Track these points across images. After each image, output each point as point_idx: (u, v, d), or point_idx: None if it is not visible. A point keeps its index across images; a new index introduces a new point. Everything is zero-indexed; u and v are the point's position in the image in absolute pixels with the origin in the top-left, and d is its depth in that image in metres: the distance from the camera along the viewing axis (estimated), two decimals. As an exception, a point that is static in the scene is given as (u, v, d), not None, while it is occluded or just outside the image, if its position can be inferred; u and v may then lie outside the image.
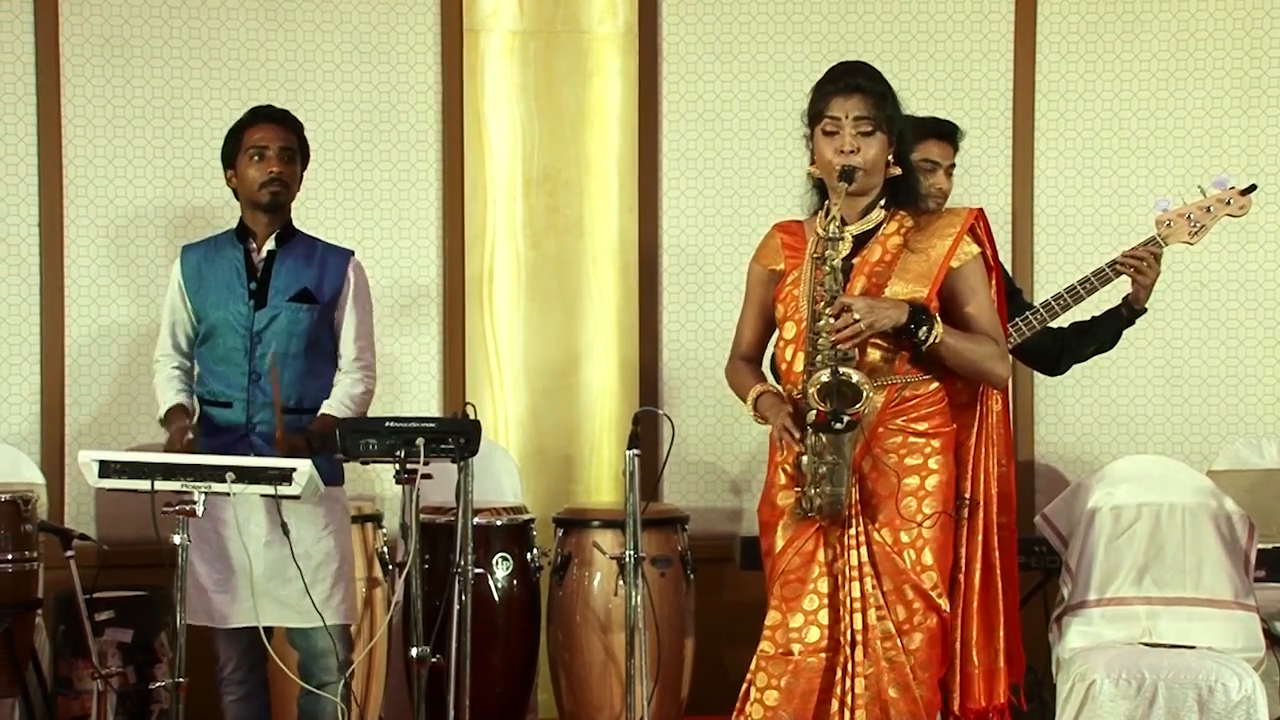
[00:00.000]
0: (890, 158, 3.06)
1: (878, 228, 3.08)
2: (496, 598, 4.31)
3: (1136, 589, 4.19)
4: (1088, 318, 3.97)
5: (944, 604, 3.01)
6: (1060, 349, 4.00)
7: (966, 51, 4.93)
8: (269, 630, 3.66)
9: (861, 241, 3.08)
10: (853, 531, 3.00)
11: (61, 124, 4.71)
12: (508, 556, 4.32)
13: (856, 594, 2.98)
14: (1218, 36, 4.92)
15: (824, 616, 3.01)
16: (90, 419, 4.72)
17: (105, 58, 4.74)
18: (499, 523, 4.34)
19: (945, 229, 3.05)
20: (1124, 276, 3.83)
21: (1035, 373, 4.45)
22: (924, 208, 3.17)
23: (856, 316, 2.93)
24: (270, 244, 3.82)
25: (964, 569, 3.07)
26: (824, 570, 3.02)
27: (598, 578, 4.32)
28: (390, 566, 4.30)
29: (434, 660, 3.65)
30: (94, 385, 4.73)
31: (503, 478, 4.71)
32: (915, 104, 4.61)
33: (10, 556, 3.72)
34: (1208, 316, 4.94)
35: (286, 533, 3.53)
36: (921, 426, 3.03)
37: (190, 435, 3.68)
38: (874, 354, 3.02)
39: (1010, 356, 4.01)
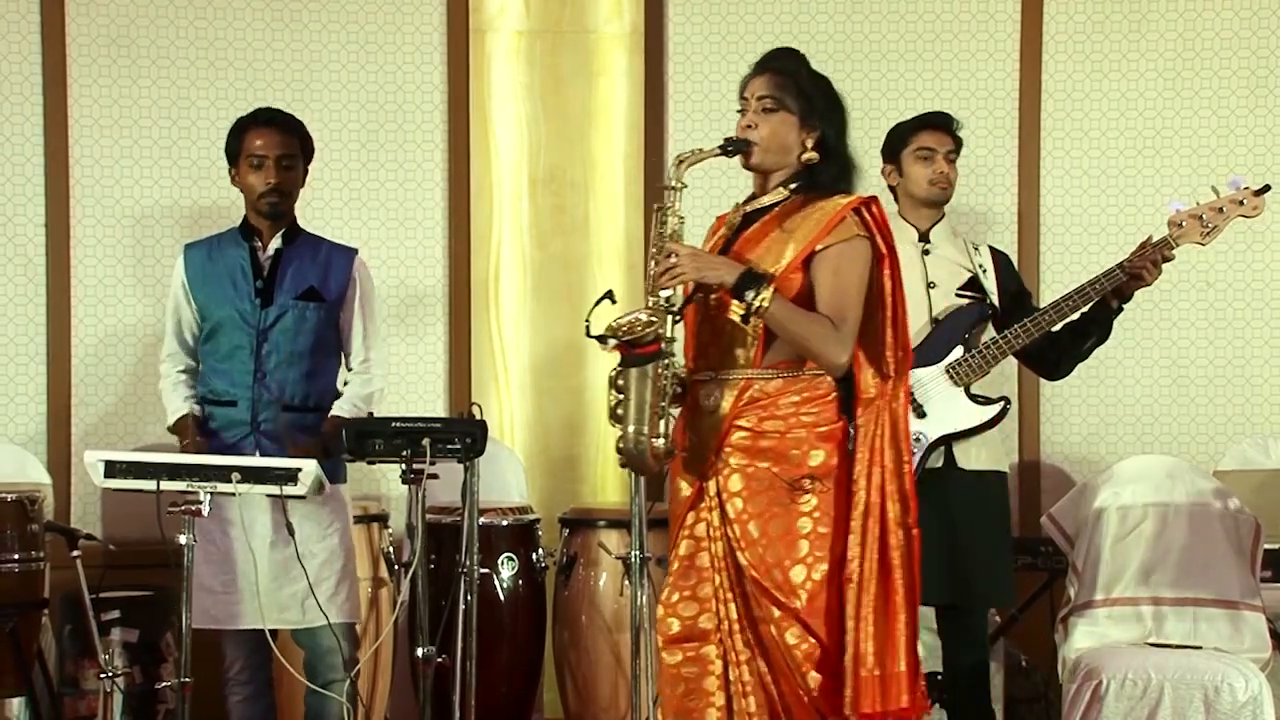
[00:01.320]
0: (807, 143, 3.03)
1: (770, 207, 3.05)
2: (502, 598, 4.31)
3: (1143, 589, 4.19)
4: (1076, 316, 3.95)
5: (800, 599, 2.90)
6: (1058, 355, 3.99)
7: (972, 51, 4.93)
8: (275, 630, 3.66)
9: (751, 219, 3.06)
10: (712, 524, 2.98)
11: (68, 124, 4.72)
12: (513, 556, 4.32)
13: (714, 585, 2.96)
14: (1225, 36, 4.91)
15: (686, 609, 2.99)
16: (97, 419, 4.73)
17: (112, 58, 4.75)
18: (504, 523, 4.34)
19: (819, 214, 2.99)
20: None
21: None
22: (825, 195, 3.04)
23: (674, 260, 2.94)
24: (276, 242, 3.82)
25: (859, 570, 2.92)
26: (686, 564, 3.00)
27: (603, 578, 4.32)
28: (396, 566, 4.30)
29: (440, 660, 3.65)
30: (100, 385, 4.74)
31: (508, 478, 4.71)
32: (921, 104, 4.65)
33: (16, 556, 3.73)
34: (1214, 316, 4.93)
35: (292, 532, 3.54)
36: (776, 425, 2.95)
37: (200, 450, 3.69)
38: (731, 349, 2.99)
39: (1013, 358, 4.05)
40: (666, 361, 2.97)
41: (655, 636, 3.06)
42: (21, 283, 4.71)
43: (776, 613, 2.91)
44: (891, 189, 4.02)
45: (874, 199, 3.03)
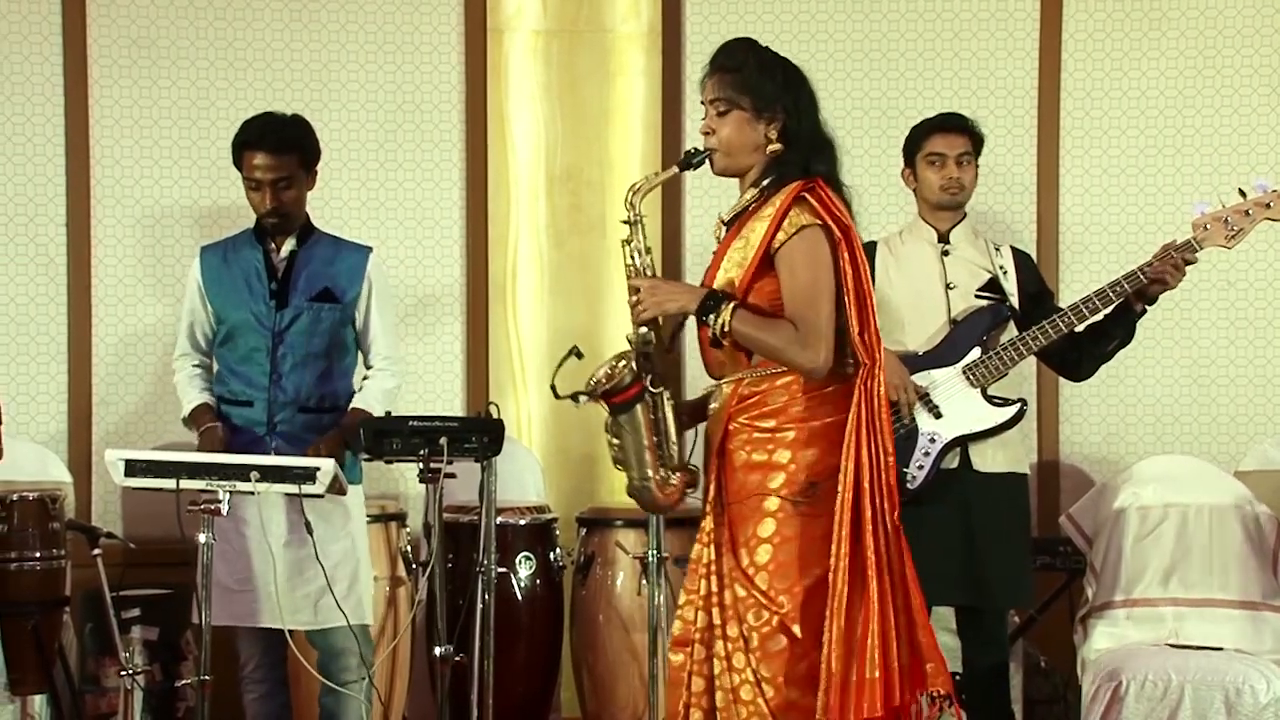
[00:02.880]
0: (769, 134, 2.93)
1: (745, 209, 2.97)
2: (519, 597, 4.31)
3: (1163, 590, 4.17)
4: (1099, 317, 3.94)
5: (781, 604, 2.81)
6: (1080, 356, 3.98)
7: (991, 50, 4.91)
8: (291, 629, 3.67)
9: (730, 226, 2.99)
10: (708, 529, 2.93)
11: (89, 124, 4.74)
12: (531, 556, 4.33)
13: (703, 591, 2.91)
14: (1246, 34, 4.89)
15: (688, 613, 2.95)
16: (118, 418, 4.75)
17: (132, 59, 4.77)
18: (522, 522, 4.35)
19: (766, 210, 2.90)
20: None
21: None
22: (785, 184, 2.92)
23: (636, 297, 2.91)
24: (290, 244, 3.84)
25: (832, 568, 2.80)
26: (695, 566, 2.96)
27: (620, 577, 4.32)
28: (414, 566, 4.31)
29: (457, 659, 3.66)
30: (121, 385, 4.76)
31: (526, 477, 4.71)
32: (940, 104, 4.64)
33: (38, 554, 3.75)
34: (1235, 316, 4.90)
35: (310, 531, 3.55)
36: (767, 424, 2.88)
37: (220, 438, 3.70)
38: (719, 351, 2.94)
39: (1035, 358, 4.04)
40: (655, 398, 2.91)
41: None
42: (43, 282, 4.74)
43: (760, 619, 2.82)
44: (913, 191, 4.02)
45: (815, 181, 2.90)
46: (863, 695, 2.77)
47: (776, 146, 2.93)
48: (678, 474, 2.95)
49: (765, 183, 2.95)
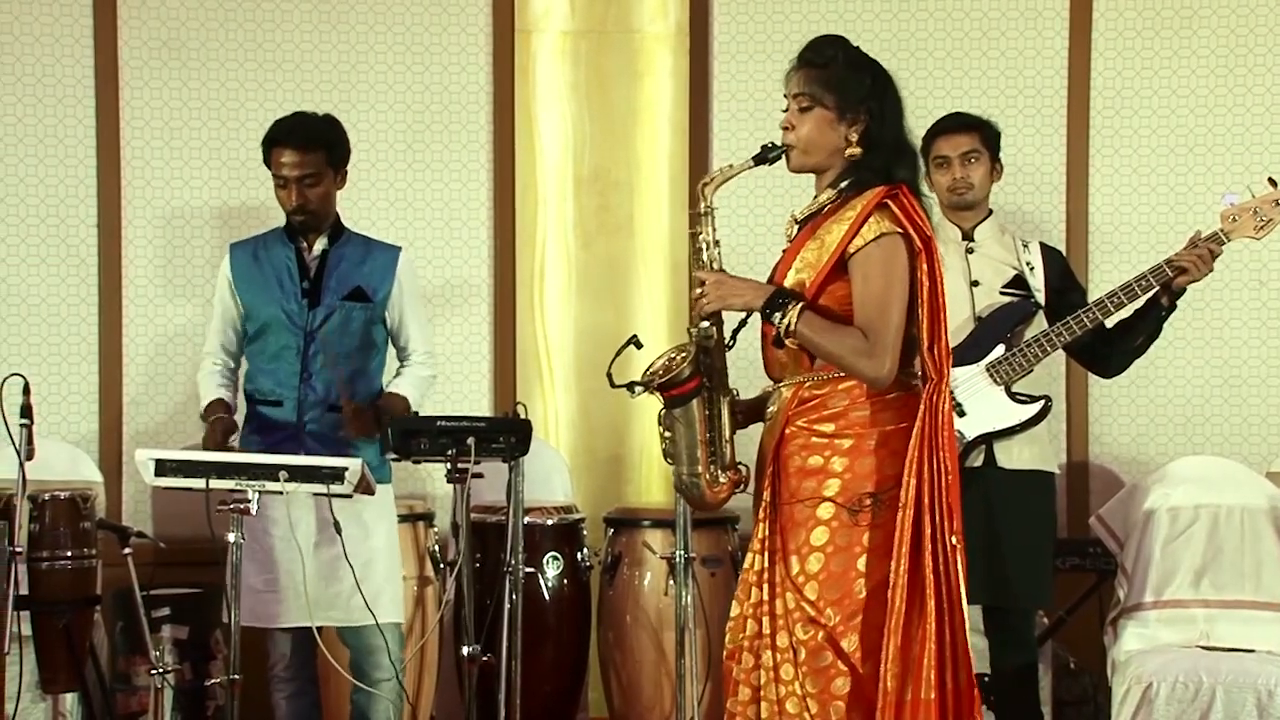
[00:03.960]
0: (850, 137, 2.86)
1: (820, 212, 2.90)
2: (547, 597, 4.32)
3: (1194, 591, 4.14)
4: (1128, 312, 3.92)
5: (829, 618, 2.75)
6: (1108, 351, 3.96)
7: (1020, 49, 4.89)
8: (321, 628, 3.69)
9: (804, 226, 2.92)
10: (760, 535, 2.85)
11: (120, 126, 4.77)
12: (558, 556, 4.33)
13: (754, 599, 2.84)
14: (1278, 31, 4.85)
15: (739, 625, 2.89)
16: (148, 418, 4.78)
17: (162, 60, 4.80)
18: (549, 522, 4.35)
19: (846, 213, 2.82)
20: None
21: (1089, 373, 4.40)
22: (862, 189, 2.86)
23: (700, 290, 2.86)
24: (322, 243, 3.86)
25: (891, 585, 2.73)
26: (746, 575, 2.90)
27: (648, 577, 4.32)
28: (441, 565, 4.32)
29: (485, 659, 3.67)
30: (152, 385, 4.79)
31: (553, 477, 4.72)
32: (968, 103, 4.62)
33: (70, 553, 3.77)
34: (1267, 314, 4.86)
35: (339, 531, 3.56)
36: (826, 428, 2.80)
37: (228, 428, 3.72)
38: (781, 352, 2.86)
39: (1062, 354, 4.02)
40: (712, 393, 2.86)
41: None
42: (74, 283, 4.77)
43: (807, 633, 2.77)
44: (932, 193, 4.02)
45: (899, 188, 2.84)
46: (917, 715, 2.71)
47: (855, 151, 2.86)
48: (727, 473, 2.90)
49: (844, 185, 2.88)
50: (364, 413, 3.73)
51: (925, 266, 2.81)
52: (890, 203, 2.82)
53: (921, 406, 2.79)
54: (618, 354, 2.94)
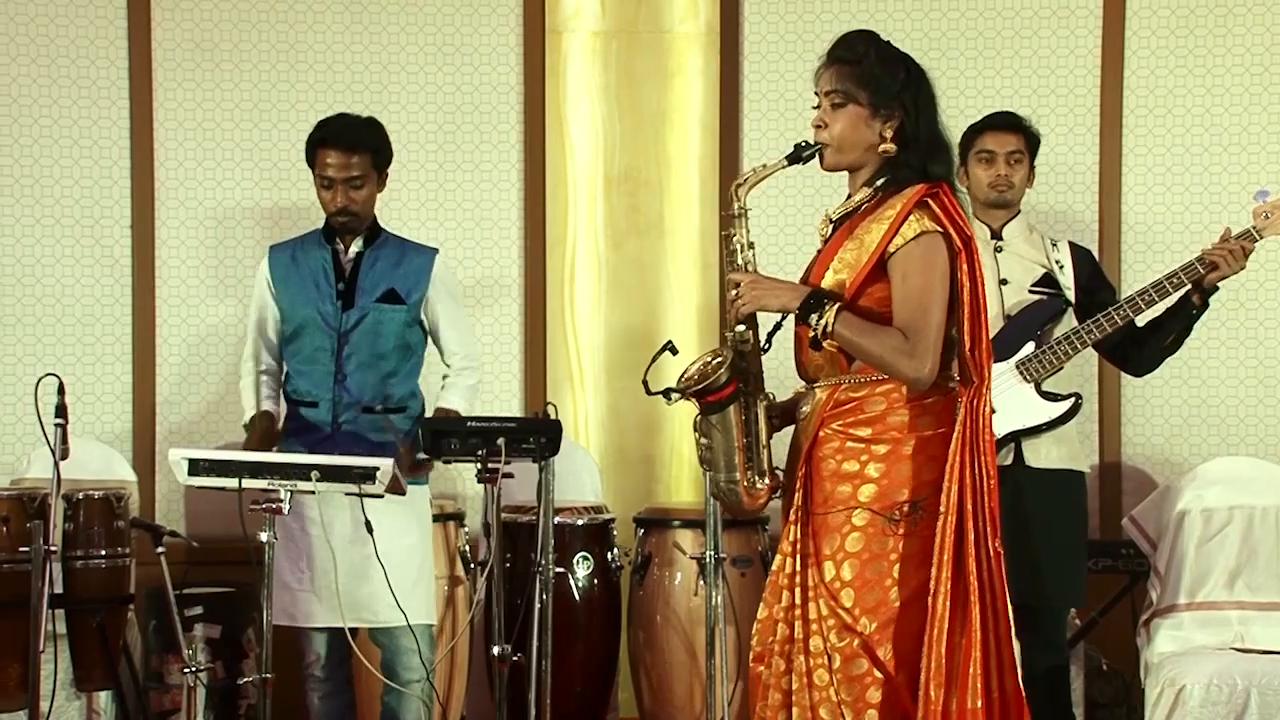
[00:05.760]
0: (885, 134, 2.81)
1: (856, 211, 2.85)
2: (577, 597, 4.32)
3: (1228, 593, 4.12)
4: (1160, 311, 3.89)
5: (864, 626, 2.71)
6: (1140, 349, 3.94)
7: (1053, 48, 4.86)
8: (354, 628, 3.70)
9: (839, 226, 2.87)
10: (791, 539, 2.81)
11: (153, 126, 4.80)
12: (588, 556, 4.33)
13: (785, 603, 2.80)
14: (1314, 29, 4.81)
15: (766, 628, 2.85)
16: (182, 418, 4.81)
17: (196, 61, 4.83)
18: (580, 522, 4.36)
19: (890, 212, 2.76)
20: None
21: (1122, 372, 4.38)
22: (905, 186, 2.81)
23: (735, 292, 2.82)
24: (358, 245, 3.87)
25: (933, 593, 2.68)
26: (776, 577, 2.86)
27: (678, 577, 4.32)
28: (472, 565, 4.33)
29: (515, 659, 3.67)
30: (185, 385, 4.82)
31: (583, 477, 4.72)
32: (1000, 102, 4.60)
33: (104, 552, 3.80)
34: (1302, 315, 4.83)
35: (371, 530, 3.58)
36: (862, 432, 2.75)
37: (267, 434, 3.74)
38: (817, 354, 2.81)
39: (1093, 352, 3.99)
40: (749, 398, 2.83)
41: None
42: (108, 283, 4.80)
43: (843, 640, 2.72)
44: (965, 190, 4.00)
45: (939, 186, 2.79)
46: None
47: (890, 147, 2.81)
48: (765, 478, 2.86)
49: (880, 182, 2.83)
50: (424, 465, 3.76)
51: (965, 266, 2.77)
52: (930, 201, 2.77)
53: (961, 410, 2.73)
54: (652, 361, 2.92)
